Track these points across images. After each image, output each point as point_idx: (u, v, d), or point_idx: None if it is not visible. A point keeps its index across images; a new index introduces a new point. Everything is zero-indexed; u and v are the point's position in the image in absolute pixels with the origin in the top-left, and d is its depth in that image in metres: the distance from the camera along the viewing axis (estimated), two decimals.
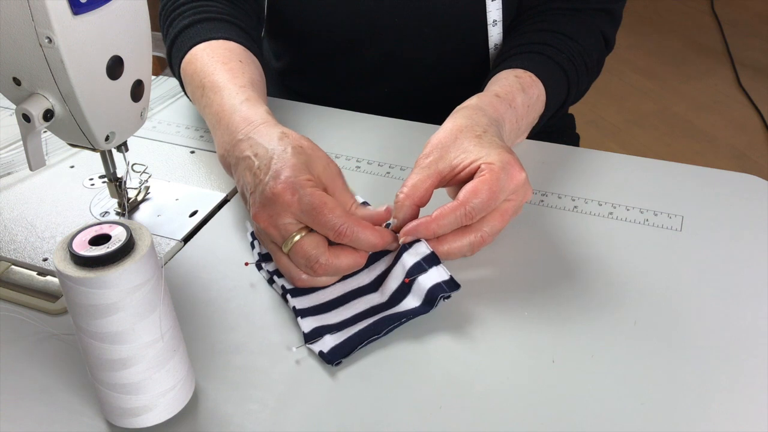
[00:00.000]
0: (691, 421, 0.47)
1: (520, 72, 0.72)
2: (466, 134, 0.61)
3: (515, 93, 0.70)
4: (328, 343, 0.52)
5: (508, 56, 0.76)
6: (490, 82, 0.73)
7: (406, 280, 0.55)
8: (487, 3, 0.80)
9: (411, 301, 0.54)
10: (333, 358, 0.51)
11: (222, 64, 0.69)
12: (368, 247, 0.55)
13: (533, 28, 0.79)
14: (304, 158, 0.55)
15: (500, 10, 0.80)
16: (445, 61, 0.86)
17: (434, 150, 0.60)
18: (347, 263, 0.55)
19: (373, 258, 0.59)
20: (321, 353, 0.51)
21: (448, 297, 0.54)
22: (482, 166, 0.57)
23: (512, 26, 0.83)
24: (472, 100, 0.67)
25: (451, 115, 0.65)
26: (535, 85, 0.72)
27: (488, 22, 0.81)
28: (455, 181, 0.60)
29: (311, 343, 0.52)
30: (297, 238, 0.54)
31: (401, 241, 0.56)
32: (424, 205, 0.59)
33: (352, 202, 0.57)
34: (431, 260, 0.55)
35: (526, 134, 0.74)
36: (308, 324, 0.53)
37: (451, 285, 0.54)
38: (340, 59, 0.88)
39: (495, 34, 0.82)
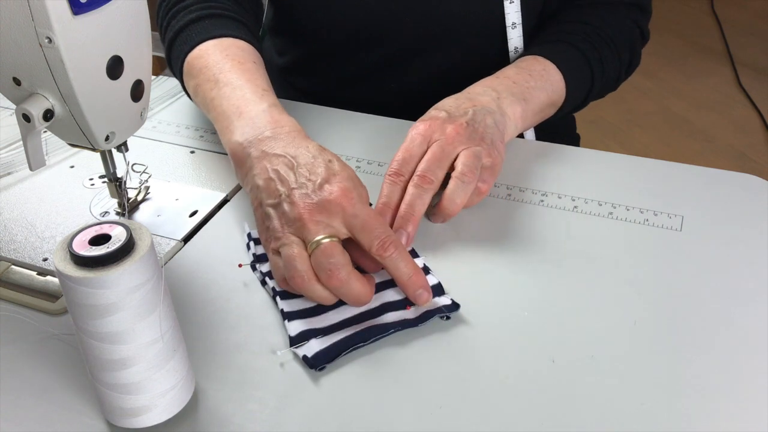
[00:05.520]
0: (691, 421, 0.47)
1: (524, 58, 0.75)
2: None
3: (509, 68, 0.74)
4: (313, 347, 0.51)
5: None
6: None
7: (408, 308, 0.55)
8: (505, 5, 0.79)
9: (403, 314, 0.54)
10: (316, 363, 0.50)
11: (238, 63, 0.69)
12: (401, 273, 0.54)
13: (555, 21, 0.81)
14: (352, 173, 0.58)
15: (519, 12, 0.79)
16: (459, 64, 0.84)
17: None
18: (357, 291, 0.53)
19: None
20: (305, 357, 0.50)
21: (448, 318, 0.54)
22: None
23: (538, 26, 0.83)
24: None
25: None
26: (538, 62, 0.74)
27: (507, 25, 0.80)
28: None
29: (296, 347, 0.52)
30: (329, 240, 0.53)
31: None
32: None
33: None
34: (436, 291, 0.55)
35: (540, 114, 0.75)
36: (295, 327, 0.53)
37: (452, 308, 0.54)
38: (345, 57, 0.87)
39: (515, 36, 0.81)
